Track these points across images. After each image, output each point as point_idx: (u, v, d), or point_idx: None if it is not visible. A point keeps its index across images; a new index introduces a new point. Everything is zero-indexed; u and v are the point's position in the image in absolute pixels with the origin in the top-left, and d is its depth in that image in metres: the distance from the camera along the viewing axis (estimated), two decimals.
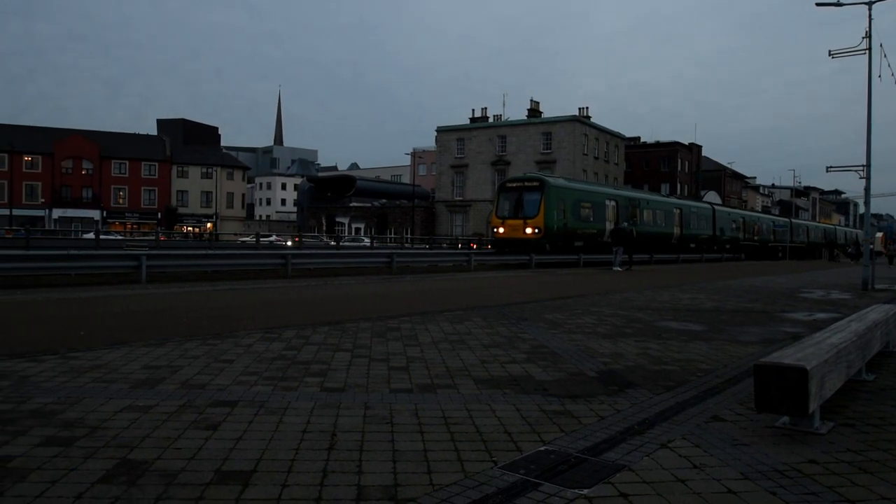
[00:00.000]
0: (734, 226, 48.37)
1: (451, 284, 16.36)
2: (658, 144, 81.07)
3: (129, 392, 4.60)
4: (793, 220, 62.47)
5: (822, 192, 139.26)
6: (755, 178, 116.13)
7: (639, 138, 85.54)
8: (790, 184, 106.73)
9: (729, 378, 5.55)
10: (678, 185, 76.74)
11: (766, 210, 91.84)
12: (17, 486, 2.91)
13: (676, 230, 39.35)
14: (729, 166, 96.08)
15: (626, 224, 28.82)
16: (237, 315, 9.28)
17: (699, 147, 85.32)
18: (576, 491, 3.02)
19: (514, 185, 29.64)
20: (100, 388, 4.71)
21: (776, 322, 9.57)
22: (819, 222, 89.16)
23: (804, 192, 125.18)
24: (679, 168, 78.39)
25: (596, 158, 66.92)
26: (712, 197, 77.96)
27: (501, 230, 28.56)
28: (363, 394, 4.73)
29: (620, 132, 73.70)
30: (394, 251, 23.14)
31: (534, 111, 67.62)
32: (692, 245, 41.44)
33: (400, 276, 19.10)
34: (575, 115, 64.58)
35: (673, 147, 78.88)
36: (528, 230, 27.37)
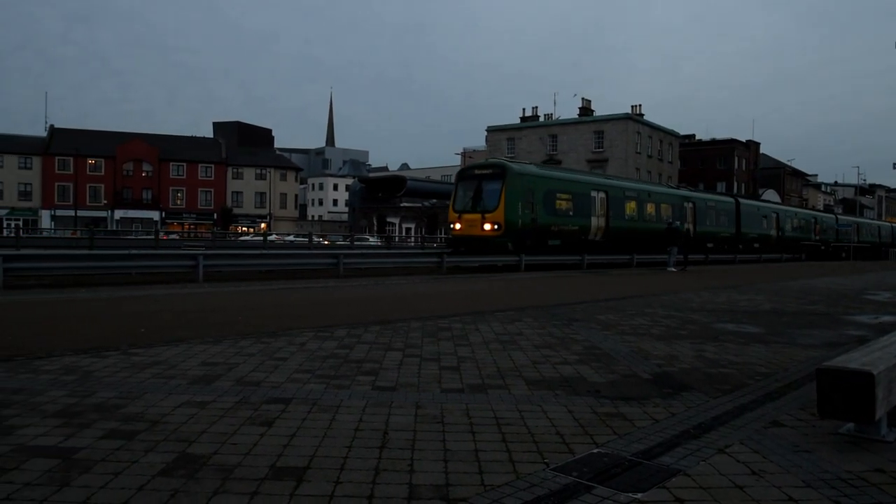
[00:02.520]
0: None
1: (503, 285, 16.30)
2: (714, 142, 79.19)
3: (187, 388, 4.73)
4: (857, 219, 59.83)
5: (888, 189, 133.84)
6: (816, 175, 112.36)
7: (693, 136, 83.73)
8: (854, 181, 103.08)
9: (789, 382, 5.38)
10: (735, 184, 74.83)
11: (827, 209, 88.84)
12: (82, 477, 3.02)
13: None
14: (788, 164, 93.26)
15: (678, 223, 28.09)
16: (290, 314, 9.44)
17: (757, 144, 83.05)
18: (630, 495, 2.97)
19: (473, 172, 24.80)
20: (159, 383, 4.85)
21: (840, 325, 9.24)
22: (885, 221, 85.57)
23: (869, 189, 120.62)
24: (736, 166, 76.42)
25: (649, 157, 65.84)
26: (771, 195, 75.76)
27: (457, 226, 23.83)
28: (414, 393, 4.74)
29: (674, 130, 72.35)
30: (444, 251, 23.16)
31: (585, 109, 66.90)
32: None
33: (450, 276, 19.12)
34: (627, 113, 63.65)
35: (729, 144, 76.94)
36: (487, 226, 22.71)
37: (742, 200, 39.56)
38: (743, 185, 77.25)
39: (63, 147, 72.76)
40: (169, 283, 14.66)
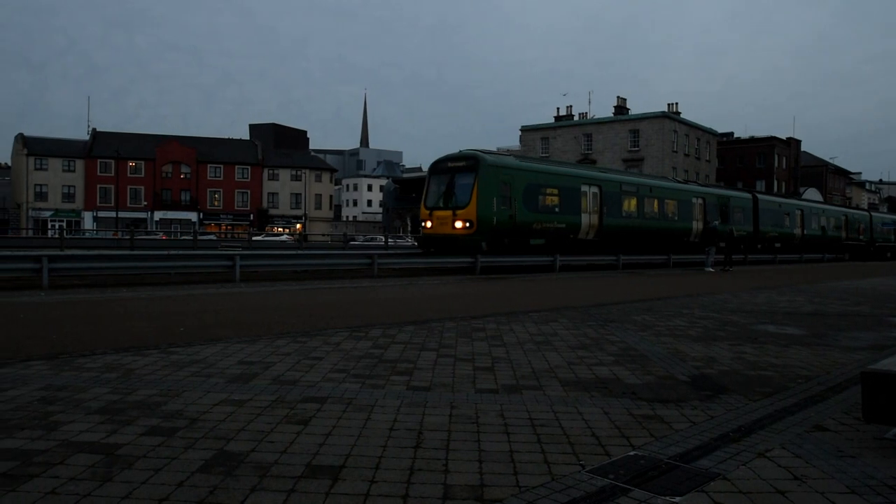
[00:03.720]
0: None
1: (535, 286, 16.22)
2: (753, 140, 77.71)
3: (225, 386, 4.79)
4: None
5: None
6: (860, 173, 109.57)
7: (732, 134, 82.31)
8: None
9: (832, 385, 5.25)
10: (775, 182, 73.35)
11: (872, 207, 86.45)
12: (124, 473, 3.08)
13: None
14: (831, 161, 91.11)
15: (717, 223, 27.48)
16: (325, 313, 9.52)
17: (798, 142, 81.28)
18: (667, 498, 2.93)
19: (446, 165, 22.26)
20: (198, 381, 4.93)
21: (885, 327, 8.99)
22: None
23: None
24: (776, 164, 74.89)
25: (686, 155, 64.93)
26: (812, 194, 74.05)
27: (428, 224, 21.75)
28: (449, 393, 4.74)
29: (712, 128, 71.23)
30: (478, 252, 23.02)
31: (620, 108, 66.24)
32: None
33: (484, 277, 19.09)
34: (664, 112, 62.86)
35: (769, 142, 75.42)
36: (458, 224, 20.57)
37: (760, 196, 36.69)
38: (783, 183, 75.68)
39: (104, 150, 74.47)
40: (206, 283, 14.90)
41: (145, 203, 76.61)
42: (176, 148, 78.54)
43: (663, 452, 3.53)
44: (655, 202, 27.95)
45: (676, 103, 65.24)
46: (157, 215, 76.63)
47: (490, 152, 22.69)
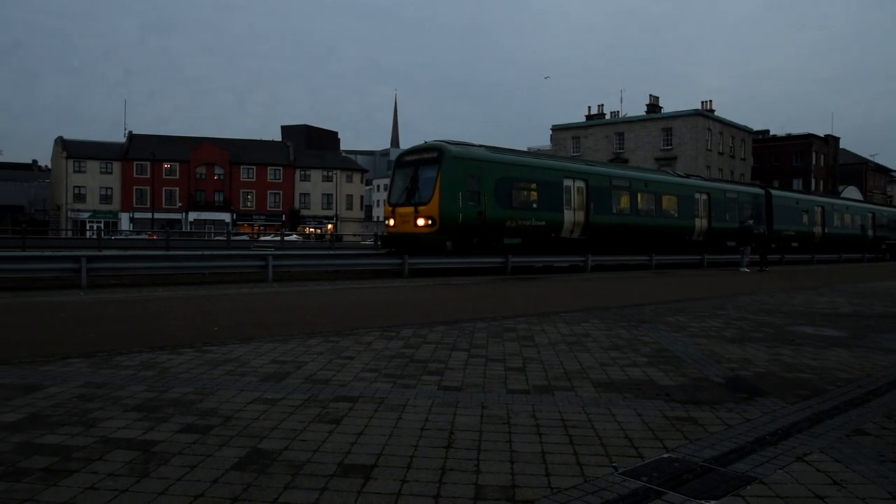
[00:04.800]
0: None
1: (566, 286, 16.12)
2: (789, 137, 76.24)
3: (259, 385, 4.85)
4: None
5: None
6: None
7: (767, 131, 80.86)
8: None
9: (873, 389, 5.12)
10: (812, 181, 71.87)
11: None
12: (160, 469, 3.14)
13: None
14: (871, 159, 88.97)
15: (751, 222, 26.94)
16: (357, 313, 9.57)
17: (836, 139, 79.52)
18: (702, 502, 2.88)
19: (410, 158, 20.73)
20: (232, 380, 4.99)
21: None
22: None
23: None
24: (814, 162, 73.37)
25: (720, 154, 64.01)
26: (852, 192, 72.40)
27: (391, 222, 20.37)
28: (480, 393, 4.73)
29: (747, 125, 70.11)
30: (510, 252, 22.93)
31: (653, 106, 65.51)
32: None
33: (515, 277, 19.02)
34: (697, 109, 62.05)
35: (806, 140, 73.91)
36: (420, 221, 19.03)
37: (774, 192, 33.73)
38: (821, 182, 74.14)
39: (140, 152, 75.91)
40: (240, 283, 15.09)
41: (180, 204, 77.87)
42: (210, 150, 79.69)
43: (698, 455, 3.48)
44: (651, 198, 25.87)
45: (710, 101, 64.34)
46: (192, 216, 77.85)
47: (460, 143, 20.71)
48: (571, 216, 22.41)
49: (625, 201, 24.72)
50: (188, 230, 72.58)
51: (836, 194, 63.43)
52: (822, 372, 5.71)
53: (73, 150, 74.79)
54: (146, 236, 55.23)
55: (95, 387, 4.70)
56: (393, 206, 20.31)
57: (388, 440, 3.64)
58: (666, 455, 3.49)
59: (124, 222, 74.98)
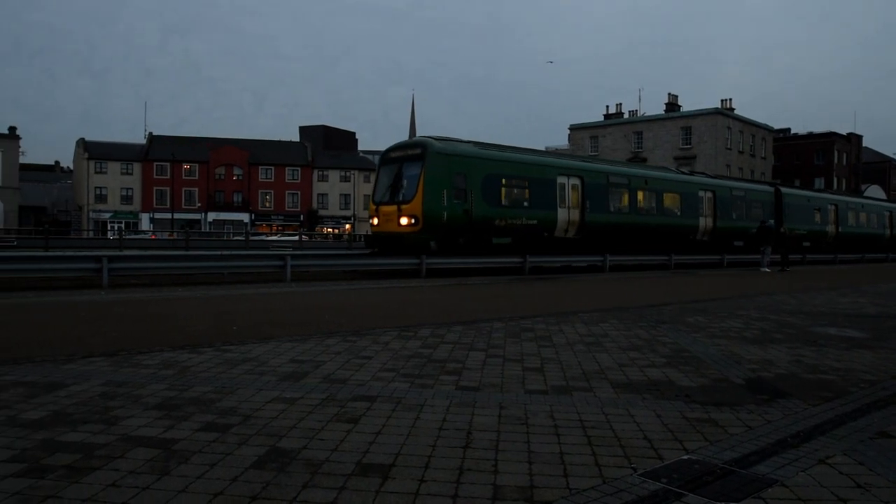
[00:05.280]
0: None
1: (583, 286, 16.05)
2: (811, 136, 75.40)
3: (277, 384, 4.87)
4: None
5: None
6: None
7: (788, 130, 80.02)
8: None
9: None
10: (834, 180, 70.99)
11: None
12: (180, 467, 3.16)
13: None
14: (895, 157, 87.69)
15: (771, 221, 26.62)
16: (374, 313, 9.59)
17: (859, 137, 78.50)
18: None
19: (395, 154, 20.01)
20: (251, 379, 5.02)
21: None
22: None
23: None
24: (836, 161, 72.47)
25: (740, 152, 63.46)
26: (875, 191, 71.37)
27: (375, 221, 19.80)
28: (498, 393, 4.73)
29: (768, 124, 69.42)
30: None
31: (672, 105, 65.09)
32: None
33: (534, 277, 18.98)
34: (717, 108, 61.60)
35: (828, 138, 73.03)
36: (403, 220, 18.43)
37: (784, 190, 32.66)
38: (843, 180, 73.21)
39: (161, 153, 76.71)
40: (258, 283, 15.19)
41: (199, 204, 78.55)
42: (229, 150, 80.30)
43: (718, 457, 3.45)
44: (652, 196, 24.93)
45: (730, 99, 63.93)
46: (211, 216, 78.49)
47: (445, 139, 19.80)
48: (566, 215, 21.65)
49: (623, 199, 23.91)
50: (207, 230, 73.18)
51: (859, 193, 62.56)
52: (845, 374, 5.63)
53: (94, 152, 75.73)
54: (150, 237, 55.96)
55: (117, 385, 4.75)
56: (377, 204, 19.73)
57: (405, 440, 3.65)
58: (686, 457, 3.46)
59: (144, 223, 75.78)
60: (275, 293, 12.62)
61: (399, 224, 18.50)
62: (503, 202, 20.10)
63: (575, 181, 22.01)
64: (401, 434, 3.75)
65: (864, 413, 4.38)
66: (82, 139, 77.69)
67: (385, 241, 19.10)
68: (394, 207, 18.82)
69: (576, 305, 10.79)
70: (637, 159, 62.67)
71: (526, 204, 20.68)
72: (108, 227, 70.68)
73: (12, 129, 66.80)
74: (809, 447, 3.64)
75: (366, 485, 3.00)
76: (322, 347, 6.40)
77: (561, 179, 21.64)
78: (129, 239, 46.76)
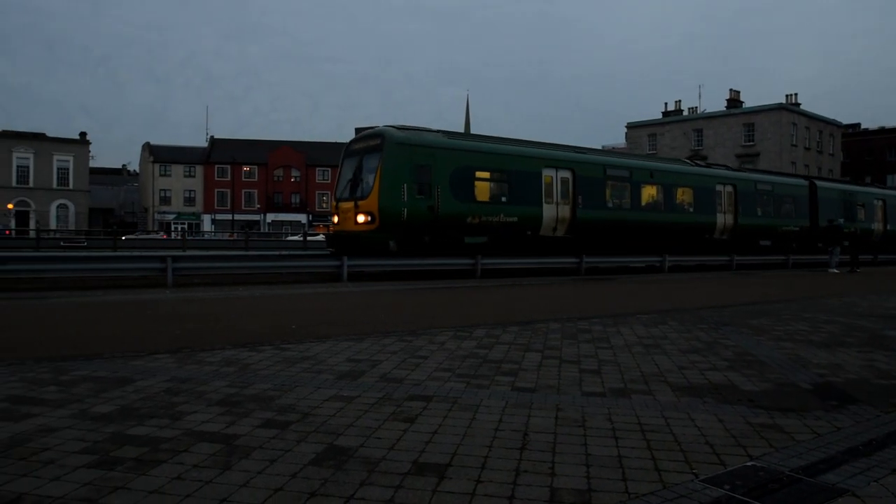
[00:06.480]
0: None
1: (641, 287, 15.78)
2: (882, 131, 72.25)
3: (335, 383, 4.94)
4: None
5: None
6: None
7: (858, 125, 76.97)
8: None
9: None
10: None
11: None
12: (242, 462, 3.23)
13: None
14: None
15: (841, 220, 25.60)
16: (430, 313, 9.63)
17: None
18: None
19: (356, 146, 18.43)
20: (309, 377, 5.10)
21: None
22: None
23: None
24: None
25: (807, 149, 61.31)
26: None
27: (335, 219, 18.45)
28: (554, 395, 4.68)
29: (836, 119, 66.93)
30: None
31: (734, 101, 63.38)
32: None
33: (590, 278, 18.76)
34: (781, 103, 59.64)
35: None
36: (361, 218, 16.96)
37: (820, 183, 29.90)
38: None
39: (221, 156, 78.84)
40: (315, 283, 15.43)
41: (258, 206, 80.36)
42: (287, 152, 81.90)
43: (784, 464, 3.33)
44: (659, 190, 22.69)
45: (795, 94, 61.87)
46: (269, 217, 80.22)
47: (410, 128, 18.19)
48: (553, 211, 19.75)
49: (624, 194, 21.77)
50: (266, 231, 74.80)
51: None
52: None
53: (159, 155, 78.36)
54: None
55: (181, 381, 4.90)
56: (337, 200, 18.43)
57: (461, 440, 3.65)
58: (750, 463, 3.35)
59: (206, 223, 77.97)
60: (332, 293, 12.80)
61: (356, 222, 17.13)
62: (477, 197, 18.40)
63: (565, 174, 20.07)
64: (457, 434, 3.74)
65: None
66: (148, 143, 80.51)
67: (343, 241, 17.63)
68: (351, 204, 17.48)
69: (633, 307, 10.60)
70: (697, 157, 61.25)
71: (505, 199, 18.89)
72: (172, 228, 72.99)
73: (83, 134, 69.85)
74: (882, 456, 3.49)
75: (422, 484, 3.01)
76: (378, 346, 6.46)
77: (547, 172, 19.69)
78: (190, 240, 48.21)
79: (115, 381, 4.87)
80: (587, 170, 20.68)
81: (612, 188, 21.41)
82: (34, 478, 3.00)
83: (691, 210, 23.69)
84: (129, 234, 57.33)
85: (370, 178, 17.04)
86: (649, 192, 22.54)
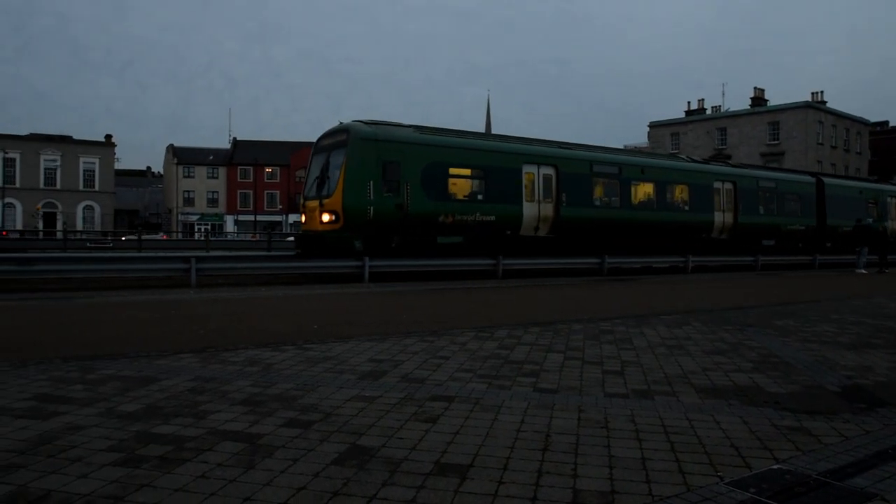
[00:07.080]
0: None
1: (665, 288, 15.64)
2: None
3: (357, 383, 4.95)
4: None
5: None
6: None
7: (887, 122, 75.60)
8: None
9: None
10: None
11: None
12: (265, 461, 3.25)
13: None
14: None
15: (870, 220, 25.09)
16: (451, 313, 9.63)
17: None
18: None
19: (324, 142, 17.78)
20: (331, 377, 5.12)
21: None
22: None
23: None
24: None
25: (833, 148, 60.40)
26: None
27: (302, 219, 18.03)
28: (576, 396, 4.65)
29: (864, 117, 65.84)
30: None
31: (758, 99, 62.62)
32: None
33: (613, 278, 18.64)
34: (807, 101, 58.82)
35: None
36: (325, 217, 16.35)
37: (828, 180, 28.52)
38: None
39: (244, 157, 79.55)
40: (337, 283, 15.49)
41: (280, 207, 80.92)
42: (308, 153, 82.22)
43: (812, 468, 3.28)
44: (650, 187, 21.57)
45: (822, 91, 61.05)
46: (291, 218, 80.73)
47: (378, 122, 17.45)
48: (534, 209, 18.83)
49: (611, 191, 20.76)
50: (288, 232, 75.34)
51: None
52: None
53: (182, 157, 79.26)
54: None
55: (205, 381, 4.94)
56: (304, 199, 17.84)
57: (483, 441, 3.64)
58: (776, 466, 3.31)
59: (229, 224, 78.70)
60: (353, 293, 12.85)
61: (321, 222, 16.48)
62: (451, 195, 17.60)
63: (547, 170, 19.09)
64: (479, 435, 3.74)
65: None
66: (171, 145, 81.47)
67: (309, 242, 17.10)
68: (317, 203, 16.81)
69: (656, 307, 10.51)
70: (721, 156, 60.60)
71: (481, 197, 18.08)
72: (196, 229, 73.79)
73: (108, 136, 70.84)
74: None
75: (444, 484, 3.00)
76: (400, 347, 6.47)
77: (528, 168, 18.78)
78: (214, 240, 48.70)
79: (141, 381, 4.92)
80: (572, 166, 19.71)
81: (600, 185, 20.52)
82: (62, 475, 3.05)
83: (686, 208, 22.72)
84: (148, 234, 58.04)
85: (335, 176, 16.45)
86: (640, 189, 21.50)
